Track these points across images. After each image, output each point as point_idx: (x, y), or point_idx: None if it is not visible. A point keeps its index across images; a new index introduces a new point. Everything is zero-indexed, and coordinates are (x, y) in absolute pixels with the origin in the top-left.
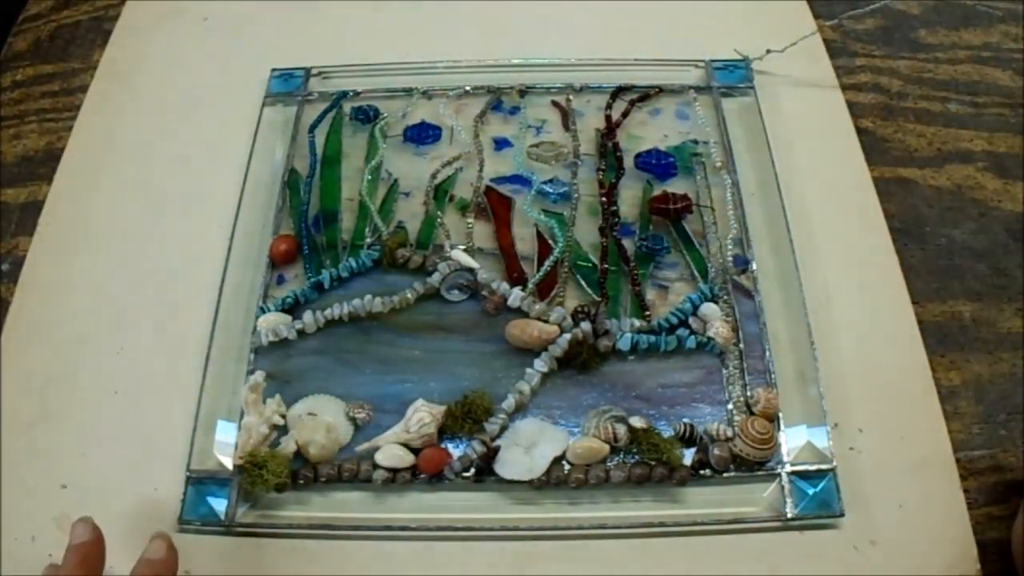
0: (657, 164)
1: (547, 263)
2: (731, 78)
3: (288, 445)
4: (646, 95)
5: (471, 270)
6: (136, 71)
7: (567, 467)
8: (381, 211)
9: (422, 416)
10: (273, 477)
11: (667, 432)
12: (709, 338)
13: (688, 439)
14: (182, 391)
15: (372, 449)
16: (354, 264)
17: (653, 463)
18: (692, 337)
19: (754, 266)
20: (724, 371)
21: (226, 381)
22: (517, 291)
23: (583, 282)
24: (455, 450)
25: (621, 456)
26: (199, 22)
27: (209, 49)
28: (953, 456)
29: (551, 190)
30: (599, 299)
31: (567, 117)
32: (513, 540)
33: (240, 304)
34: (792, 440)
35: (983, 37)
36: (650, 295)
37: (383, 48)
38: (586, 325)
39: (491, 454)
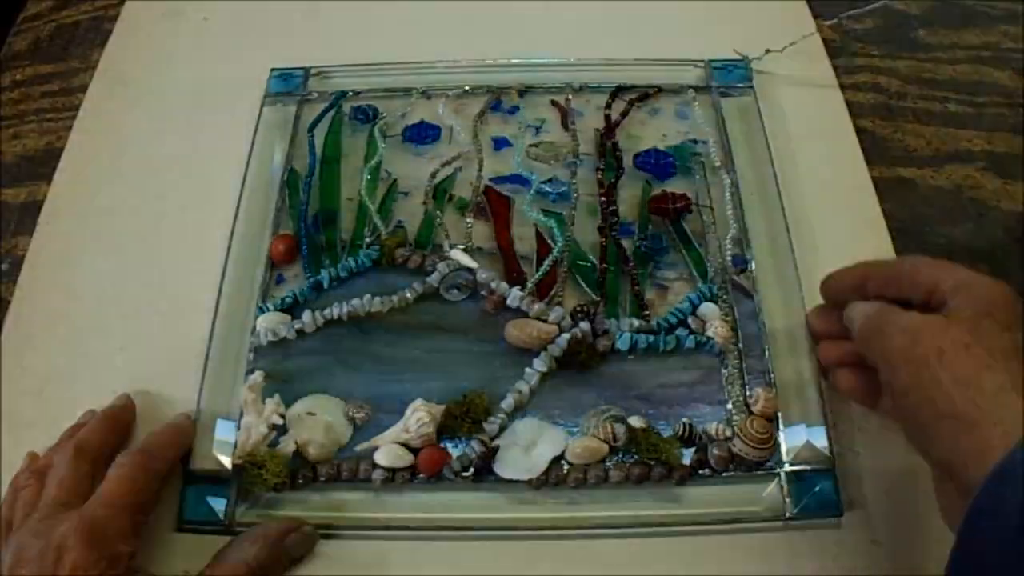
0: (656, 164)
1: (546, 263)
2: (730, 78)
3: (287, 445)
4: (645, 95)
5: (470, 270)
6: (135, 71)
7: (566, 467)
8: (380, 211)
9: (421, 416)
10: (272, 477)
11: (666, 432)
12: (708, 338)
13: (687, 439)
14: (181, 390)
15: (371, 449)
16: (353, 264)
17: (652, 463)
18: (691, 337)
19: (753, 266)
20: (723, 371)
21: (225, 381)
22: (516, 291)
23: (582, 282)
24: (454, 450)
25: (620, 456)
26: (199, 22)
27: (209, 49)
28: None
29: (550, 190)
30: (598, 299)
31: (566, 117)
32: (512, 540)
33: (239, 303)
34: (791, 440)
35: (983, 37)
36: (649, 295)
37: (382, 48)
38: (585, 325)
39: (490, 454)
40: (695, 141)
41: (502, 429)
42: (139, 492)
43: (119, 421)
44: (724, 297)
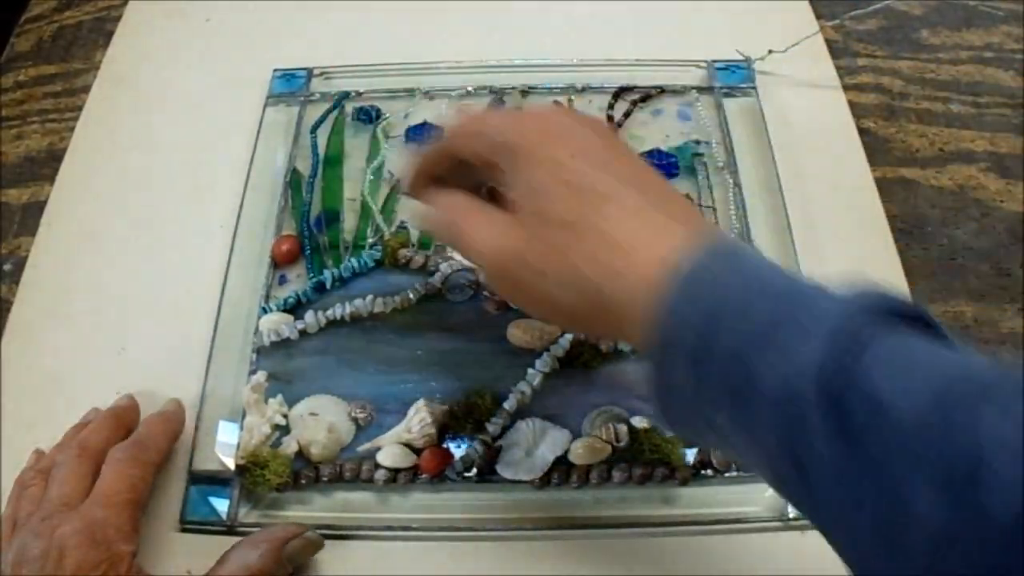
0: (659, 164)
1: None
2: (733, 78)
3: (290, 445)
4: (648, 95)
5: (473, 270)
6: (138, 71)
7: (569, 467)
8: (383, 211)
9: (424, 416)
10: (275, 477)
11: (668, 432)
12: None
13: None
14: (183, 391)
15: (374, 449)
16: (356, 264)
17: (655, 463)
18: None
19: None
20: None
21: (228, 381)
22: None
23: None
24: (457, 450)
25: (623, 456)
26: (201, 23)
27: (211, 50)
28: None
29: None
30: None
31: None
32: (515, 540)
33: (242, 304)
34: None
35: (985, 37)
36: None
37: (385, 48)
38: None
39: (493, 454)
40: (698, 142)
41: (504, 429)
42: (136, 487)
43: (123, 420)
44: None
